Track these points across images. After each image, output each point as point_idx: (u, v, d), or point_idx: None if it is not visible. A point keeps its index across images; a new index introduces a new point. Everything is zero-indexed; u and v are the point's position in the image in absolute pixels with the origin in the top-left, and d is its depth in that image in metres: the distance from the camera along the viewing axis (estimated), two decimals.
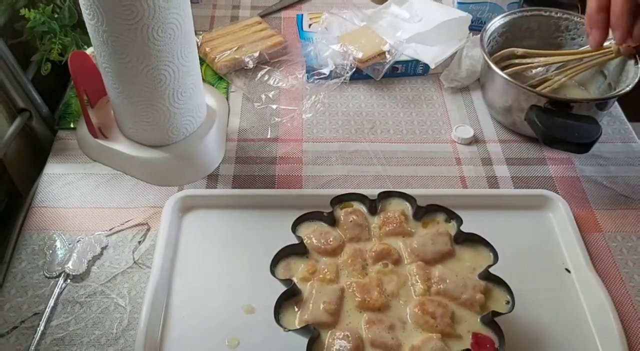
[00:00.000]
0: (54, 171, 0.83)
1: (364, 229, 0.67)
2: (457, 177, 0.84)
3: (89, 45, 0.90)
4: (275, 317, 0.58)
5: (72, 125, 0.89)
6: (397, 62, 0.98)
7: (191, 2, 0.74)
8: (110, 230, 0.76)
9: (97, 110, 0.85)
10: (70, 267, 0.71)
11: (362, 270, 0.63)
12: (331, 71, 0.96)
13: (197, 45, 0.91)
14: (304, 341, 0.56)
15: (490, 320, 0.58)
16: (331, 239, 0.65)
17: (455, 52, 0.98)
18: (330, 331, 0.58)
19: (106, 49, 0.70)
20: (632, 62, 0.86)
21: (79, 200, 0.79)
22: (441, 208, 0.68)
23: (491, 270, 0.62)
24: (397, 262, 0.64)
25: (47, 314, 0.67)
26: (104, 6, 0.65)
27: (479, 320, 0.59)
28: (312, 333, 0.57)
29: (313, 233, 0.66)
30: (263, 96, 0.95)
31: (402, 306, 0.61)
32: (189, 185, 0.82)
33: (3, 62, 0.81)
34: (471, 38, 0.99)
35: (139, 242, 0.75)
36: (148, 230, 0.76)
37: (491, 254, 0.64)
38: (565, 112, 0.81)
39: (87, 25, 0.71)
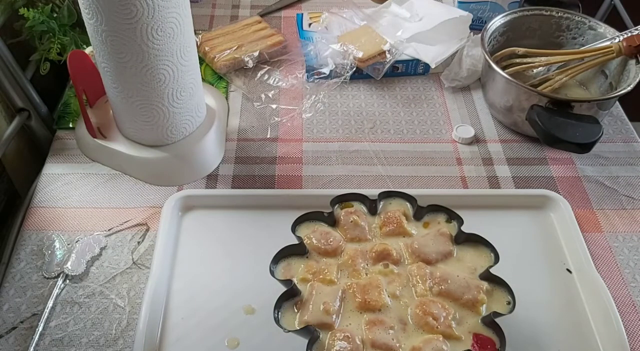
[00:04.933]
0: (52, 171, 0.83)
1: (364, 229, 0.66)
2: (458, 177, 0.84)
3: (88, 44, 0.90)
4: (275, 318, 0.58)
5: (71, 125, 0.88)
6: (397, 62, 0.97)
7: (190, 1, 0.74)
8: (109, 230, 0.76)
9: (96, 110, 0.85)
10: (69, 268, 0.71)
11: (363, 270, 0.63)
12: (331, 71, 0.96)
13: (197, 44, 0.91)
14: (304, 342, 0.56)
15: (491, 320, 0.57)
16: (331, 239, 0.65)
17: (456, 52, 0.98)
18: (330, 332, 0.58)
19: (105, 49, 0.70)
20: (633, 61, 0.86)
21: (77, 200, 0.79)
22: (442, 209, 0.68)
23: (492, 270, 0.62)
24: (398, 262, 0.64)
25: (46, 315, 0.67)
26: (103, 5, 0.65)
27: (480, 320, 0.59)
28: (312, 334, 0.56)
29: (313, 234, 0.65)
30: (263, 96, 0.95)
31: (402, 307, 0.60)
32: (189, 185, 0.81)
33: (2, 61, 0.81)
34: (472, 37, 0.99)
35: (138, 242, 0.74)
36: (147, 230, 0.76)
37: (492, 254, 0.64)
38: (566, 112, 0.81)
39: (86, 24, 0.70)
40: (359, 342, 0.57)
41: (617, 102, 0.94)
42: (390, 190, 0.70)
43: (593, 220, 0.79)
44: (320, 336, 0.57)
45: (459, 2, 1.05)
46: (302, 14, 1.09)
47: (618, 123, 0.93)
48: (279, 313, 0.59)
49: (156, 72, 0.72)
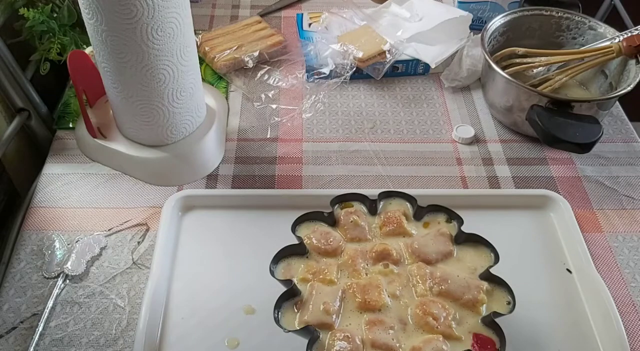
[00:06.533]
0: (52, 171, 0.83)
1: (364, 229, 0.66)
2: (458, 177, 0.84)
3: (88, 44, 0.90)
4: (275, 318, 0.58)
5: (71, 125, 0.88)
6: (397, 62, 0.97)
7: (190, 1, 0.74)
8: (109, 230, 0.76)
9: (96, 110, 0.85)
10: (69, 268, 0.71)
11: (363, 270, 0.63)
12: (331, 71, 0.96)
13: (197, 44, 0.90)
14: (304, 342, 0.56)
15: (491, 320, 0.57)
16: (331, 239, 0.65)
17: (456, 52, 0.98)
18: (330, 332, 0.58)
19: (105, 49, 0.70)
20: (633, 61, 0.86)
21: (77, 200, 0.79)
22: (442, 209, 0.68)
23: (492, 270, 0.62)
24: (398, 262, 0.64)
25: (46, 315, 0.67)
26: (103, 5, 0.65)
27: (479, 320, 0.59)
28: (312, 334, 0.56)
29: (313, 234, 0.65)
30: (263, 96, 0.95)
31: (402, 307, 0.60)
32: (189, 185, 0.81)
33: (2, 61, 0.81)
34: (472, 37, 0.99)
35: (138, 242, 0.74)
36: (147, 230, 0.76)
37: (492, 254, 0.64)
38: (566, 112, 0.81)
39: (86, 24, 0.70)
40: (359, 342, 0.57)
41: (617, 102, 0.94)
42: (390, 190, 0.70)
43: (593, 220, 0.79)
44: (320, 336, 0.57)
45: (459, 2, 1.05)
46: (302, 14, 1.09)
47: (618, 123, 0.93)
48: (279, 313, 0.59)
49: (156, 72, 0.72)
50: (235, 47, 0.99)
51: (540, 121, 0.80)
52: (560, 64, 0.91)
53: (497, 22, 0.93)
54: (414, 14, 1.03)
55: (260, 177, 0.83)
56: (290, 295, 0.60)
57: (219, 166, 0.84)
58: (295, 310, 0.59)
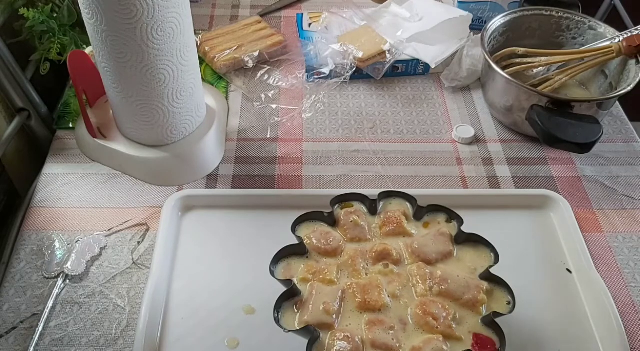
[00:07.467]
0: (52, 171, 0.83)
1: (364, 229, 0.66)
2: (458, 177, 0.84)
3: (88, 44, 0.90)
4: (275, 318, 0.58)
5: (71, 125, 0.88)
6: (397, 62, 0.97)
7: (190, 1, 0.74)
8: (109, 230, 0.76)
9: (96, 110, 0.85)
10: (69, 268, 0.71)
11: (363, 270, 0.63)
12: (331, 71, 0.96)
13: (197, 44, 0.90)
14: (304, 342, 0.56)
15: (491, 320, 0.57)
16: (331, 239, 0.65)
17: (456, 52, 0.98)
18: (330, 332, 0.57)
19: (105, 49, 0.70)
20: (633, 61, 0.86)
21: (77, 200, 0.79)
22: (442, 209, 0.68)
23: (492, 270, 0.62)
24: (398, 262, 0.64)
25: (46, 315, 0.67)
26: (103, 5, 0.65)
27: (480, 320, 0.59)
28: (313, 334, 0.56)
29: (313, 234, 0.65)
30: (263, 96, 0.95)
31: (402, 307, 0.60)
32: (189, 185, 0.81)
33: (2, 61, 0.81)
34: (472, 37, 0.99)
35: (138, 242, 0.74)
36: (147, 230, 0.76)
37: (492, 254, 0.64)
38: (566, 112, 0.81)
39: (86, 24, 0.70)
40: (359, 342, 0.57)
41: (617, 102, 0.94)
42: (390, 190, 0.70)
43: (593, 220, 0.79)
44: (320, 336, 0.57)
45: (459, 2, 1.05)
46: (302, 14, 1.09)
47: (618, 123, 0.93)
48: (279, 313, 0.59)
49: (156, 72, 0.72)
50: (235, 47, 0.99)
51: (540, 121, 0.80)
52: (560, 64, 0.91)
53: (497, 22, 0.93)
54: (414, 14, 1.03)
55: (260, 177, 0.83)
56: (290, 295, 0.60)
57: (219, 166, 0.84)
58: (295, 310, 0.59)
